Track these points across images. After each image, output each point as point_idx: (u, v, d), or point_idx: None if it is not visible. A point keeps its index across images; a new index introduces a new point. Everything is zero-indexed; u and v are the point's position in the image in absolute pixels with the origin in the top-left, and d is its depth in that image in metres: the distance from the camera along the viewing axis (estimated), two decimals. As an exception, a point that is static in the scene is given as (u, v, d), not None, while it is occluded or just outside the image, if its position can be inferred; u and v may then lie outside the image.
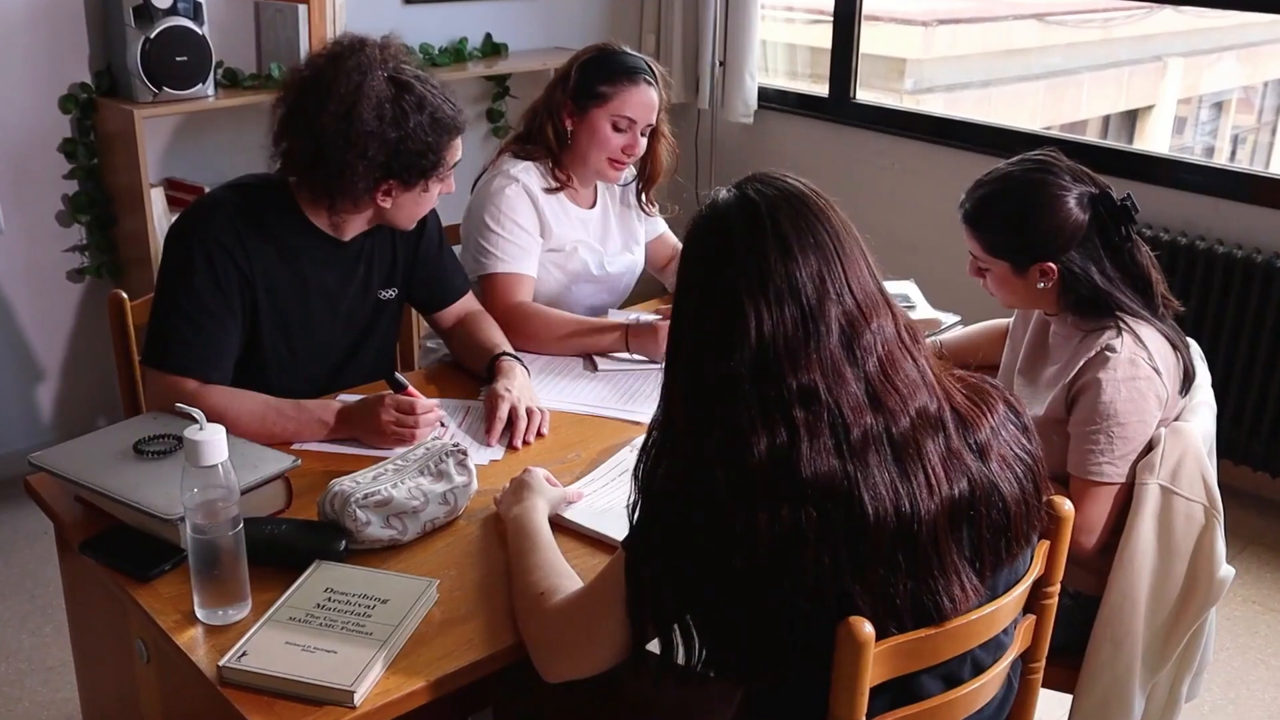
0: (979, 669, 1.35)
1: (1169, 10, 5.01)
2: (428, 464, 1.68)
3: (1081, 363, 1.84)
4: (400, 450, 1.77)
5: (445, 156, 1.98)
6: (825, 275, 1.24)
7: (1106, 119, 6.15)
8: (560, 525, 1.67)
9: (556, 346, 2.32)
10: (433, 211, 2.14)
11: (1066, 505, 1.44)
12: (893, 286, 2.22)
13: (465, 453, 1.71)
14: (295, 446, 1.88)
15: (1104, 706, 1.83)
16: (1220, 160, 5.84)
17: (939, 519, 1.24)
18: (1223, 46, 6.08)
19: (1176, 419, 1.87)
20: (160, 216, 3.22)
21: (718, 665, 1.29)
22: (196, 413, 1.43)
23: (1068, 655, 1.83)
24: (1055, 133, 4.20)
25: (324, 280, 2.05)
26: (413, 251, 2.18)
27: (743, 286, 1.23)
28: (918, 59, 5.74)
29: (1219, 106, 6.37)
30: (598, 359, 2.30)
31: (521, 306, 2.35)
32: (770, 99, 4.31)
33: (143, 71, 3.06)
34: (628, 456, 1.87)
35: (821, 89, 4.21)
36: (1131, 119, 6.23)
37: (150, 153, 3.24)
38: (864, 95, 4.14)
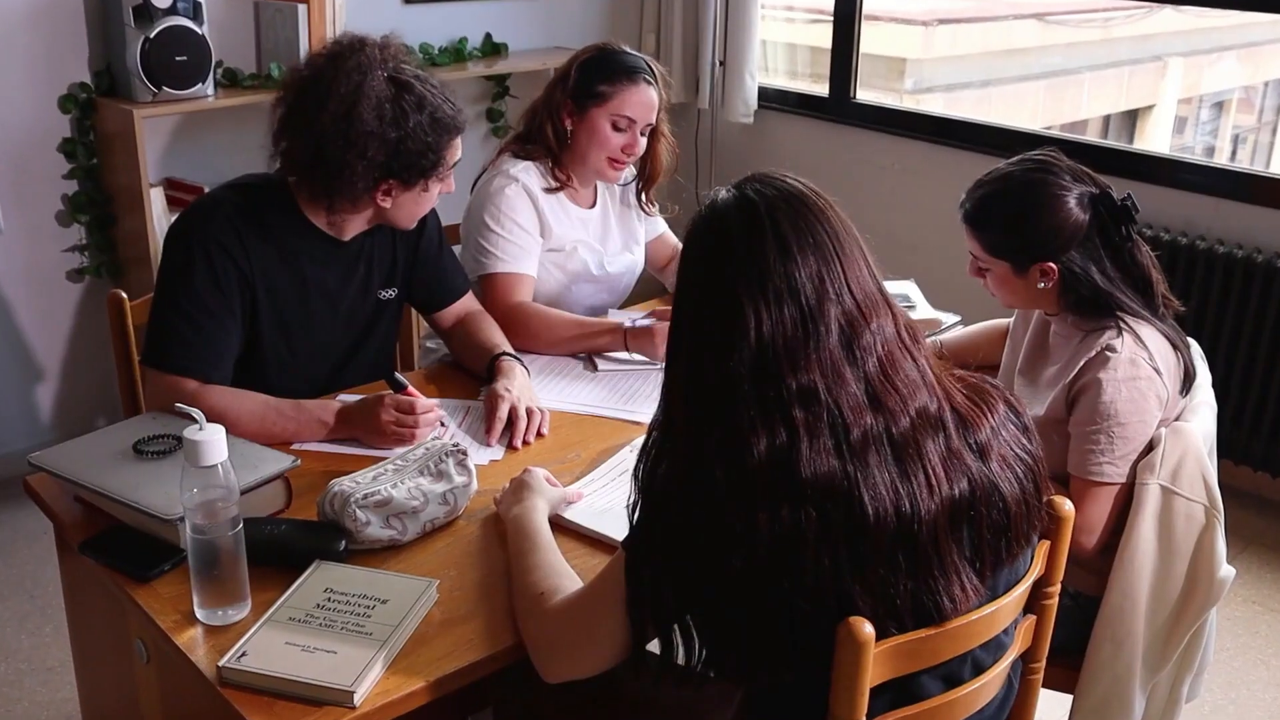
0: (979, 669, 1.35)
1: (1169, 10, 5.01)
2: (427, 464, 1.67)
3: (1082, 363, 1.83)
4: (400, 450, 1.77)
5: (445, 156, 1.97)
6: (824, 275, 1.24)
7: (1107, 119, 6.15)
8: (560, 525, 1.67)
9: (556, 346, 2.32)
10: (433, 211, 2.14)
11: (1067, 505, 1.43)
12: (893, 286, 2.22)
13: (465, 453, 1.71)
14: (295, 446, 1.87)
15: (1104, 707, 1.83)
16: (1221, 160, 5.84)
17: (939, 519, 1.24)
18: (1223, 46, 6.08)
19: (1177, 419, 1.87)
20: (160, 216, 3.22)
21: (717, 665, 1.29)
22: (196, 413, 1.43)
23: (1068, 655, 1.83)
24: (1055, 133, 4.20)
25: (324, 280, 2.05)
26: (413, 251, 2.18)
27: (742, 287, 1.23)
28: (918, 59, 5.74)
29: (1219, 106, 6.38)
30: (597, 359, 2.29)
31: (521, 306, 2.35)
32: (770, 99, 4.31)
33: (142, 71, 3.06)
34: (628, 457, 1.87)
35: (821, 89, 4.20)
36: (1132, 119, 6.24)
37: (150, 152, 3.24)
38: (864, 95, 4.14)
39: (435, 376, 2.23)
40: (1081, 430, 1.82)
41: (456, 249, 2.43)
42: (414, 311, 2.43)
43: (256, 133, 2.05)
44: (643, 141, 2.44)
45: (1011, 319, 2.17)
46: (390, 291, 2.16)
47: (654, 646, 1.32)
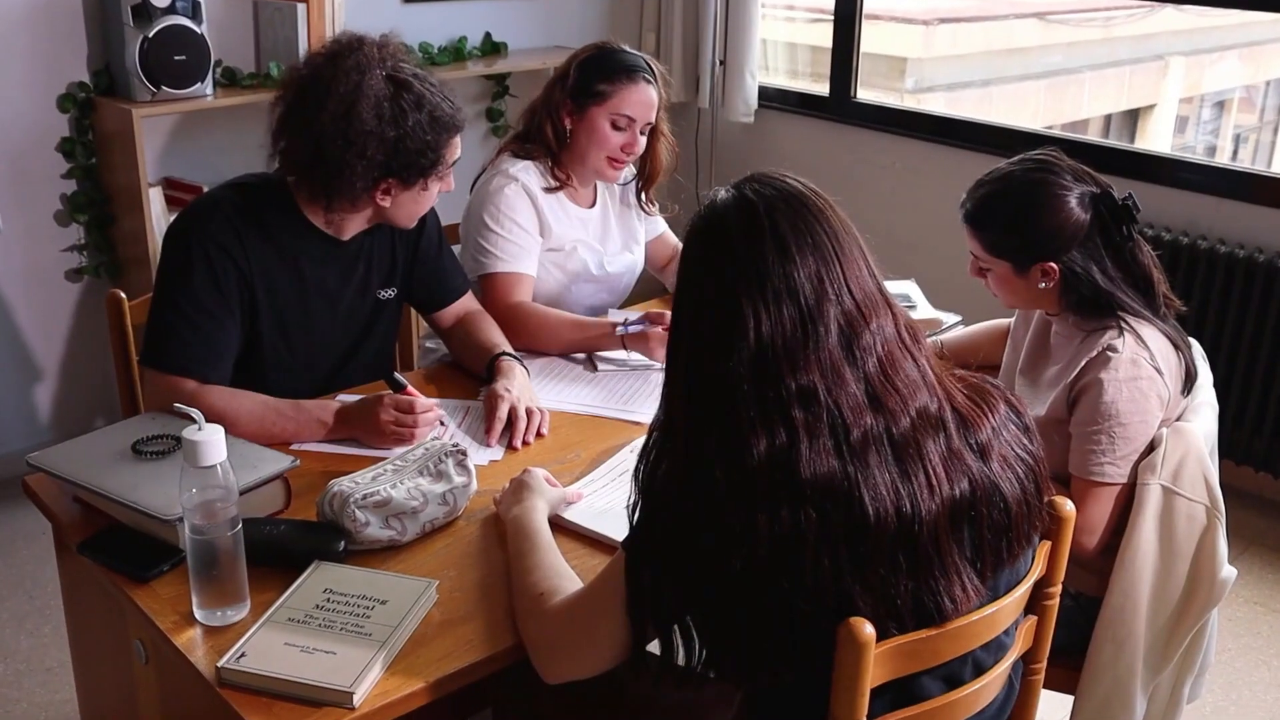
0: (980, 670, 1.35)
1: (1170, 9, 5.02)
2: (427, 464, 1.67)
3: (1083, 363, 1.83)
4: (399, 450, 1.77)
5: (444, 155, 1.97)
6: (823, 275, 1.24)
7: (1108, 118, 6.15)
8: (560, 526, 1.67)
9: (556, 346, 2.32)
10: (432, 211, 2.14)
11: (1068, 506, 1.43)
12: (893, 286, 2.21)
13: (465, 453, 1.71)
14: (294, 447, 1.87)
15: (1105, 708, 1.83)
16: (1222, 160, 5.83)
17: (940, 519, 1.23)
18: (1224, 45, 6.08)
19: (1178, 419, 1.86)
20: (159, 216, 3.22)
21: (718, 666, 1.29)
22: (195, 413, 1.43)
23: (1069, 656, 1.83)
24: (1056, 132, 4.20)
25: (323, 280, 2.04)
26: (412, 251, 2.18)
27: (741, 287, 1.23)
28: (918, 58, 5.74)
29: (1221, 106, 6.38)
30: (597, 359, 2.29)
31: (521, 306, 2.35)
32: (770, 98, 4.30)
33: (141, 70, 3.06)
34: (627, 457, 1.87)
35: (822, 88, 4.20)
36: (1133, 118, 6.24)
37: (149, 152, 3.23)
38: (864, 94, 4.14)
39: (435, 376, 2.23)
40: (1082, 430, 1.82)
41: (456, 249, 2.43)
42: (414, 311, 2.43)
43: (255, 132, 2.05)
44: (642, 141, 2.43)
45: (1012, 319, 2.16)
46: (390, 291, 2.16)
47: (654, 647, 1.32)
